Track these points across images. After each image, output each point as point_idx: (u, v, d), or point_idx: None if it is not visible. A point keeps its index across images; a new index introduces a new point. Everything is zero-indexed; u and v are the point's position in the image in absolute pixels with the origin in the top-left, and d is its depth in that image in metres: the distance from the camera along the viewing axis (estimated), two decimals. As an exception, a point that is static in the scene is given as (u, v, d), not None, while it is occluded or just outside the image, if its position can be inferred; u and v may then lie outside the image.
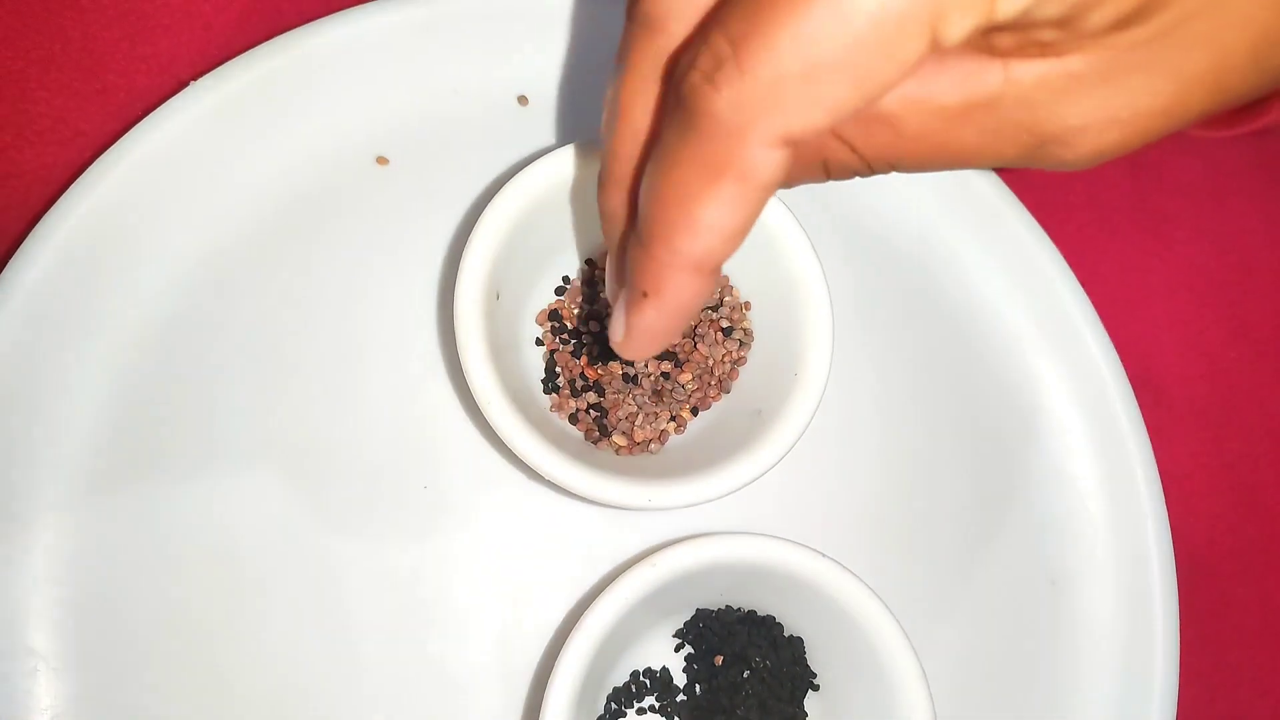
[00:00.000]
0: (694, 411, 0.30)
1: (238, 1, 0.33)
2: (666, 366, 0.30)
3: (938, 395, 0.33)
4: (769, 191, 0.18)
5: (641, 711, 0.30)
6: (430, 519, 0.30)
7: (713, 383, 0.30)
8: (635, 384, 0.30)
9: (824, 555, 0.28)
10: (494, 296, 0.28)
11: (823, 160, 0.20)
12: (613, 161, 0.22)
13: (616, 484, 0.27)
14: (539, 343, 0.31)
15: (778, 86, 0.16)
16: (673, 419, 0.30)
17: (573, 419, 0.30)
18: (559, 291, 0.31)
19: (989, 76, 0.18)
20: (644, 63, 0.20)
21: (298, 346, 0.31)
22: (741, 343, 0.30)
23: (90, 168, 0.30)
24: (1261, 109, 0.20)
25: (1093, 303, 0.34)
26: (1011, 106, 0.18)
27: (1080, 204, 0.36)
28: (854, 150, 0.20)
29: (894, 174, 0.21)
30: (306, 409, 0.31)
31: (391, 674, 0.30)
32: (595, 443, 0.30)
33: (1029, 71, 0.18)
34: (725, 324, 0.30)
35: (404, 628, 0.30)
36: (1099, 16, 0.17)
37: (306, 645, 0.29)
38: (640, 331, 0.22)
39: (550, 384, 0.30)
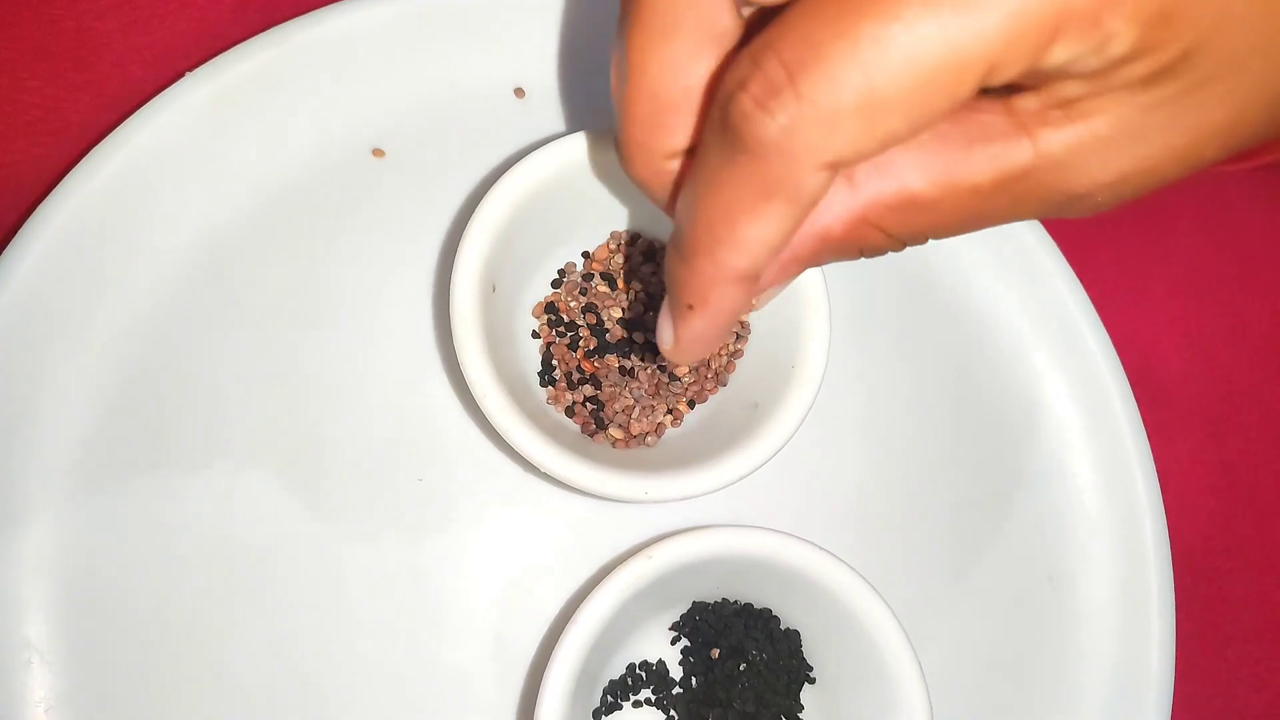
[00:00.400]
0: (691, 404, 0.30)
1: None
2: (664, 360, 0.30)
3: (936, 390, 0.33)
4: (812, 207, 0.19)
5: (638, 704, 0.30)
6: (427, 512, 0.30)
7: (709, 376, 0.30)
8: (632, 377, 0.30)
9: (821, 549, 0.28)
10: (490, 288, 0.28)
11: (859, 247, 0.21)
12: (631, 127, 0.21)
13: (614, 476, 0.27)
14: (535, 335, 0.31)
15: (835, 116, 0.17)
16: (669, 412, 0.30)
17: (569, 411, 0.30)
18: (555, 284, 0.31)
19: (1019, 151, 0.18)
20: (654, 16, 0.20)
21: (294, 340, 0.31)
22: (739, 335, 0.30)
23: (84, 159, 0.30)
24: (1266, 147, 0.21)
25: (1092, 300, 0.34)
26: (1043, 174, 0.18)
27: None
28: (890, 236, 0.20)
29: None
30: (302, 402, 0.30)
31: (388, 666, 0.29)
32: (592, 435, 0.30)
33: (1057, 140, 0.18)
34: None
35: (400, 620, 0.30)
36: (1132, 71, 0.17)
37: (301, 637, 0.29)
38: (690, 341, 0.22)
39: (547, 376, 0.30)
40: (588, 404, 0.30)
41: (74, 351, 0.29)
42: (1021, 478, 0.33)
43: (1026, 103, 0.18)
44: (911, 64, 0.16)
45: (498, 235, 0.28)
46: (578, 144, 0.28)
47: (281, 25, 0.31)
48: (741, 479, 0.27)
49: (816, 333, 0.28)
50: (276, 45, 0.31)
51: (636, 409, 0.30)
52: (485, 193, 0.28)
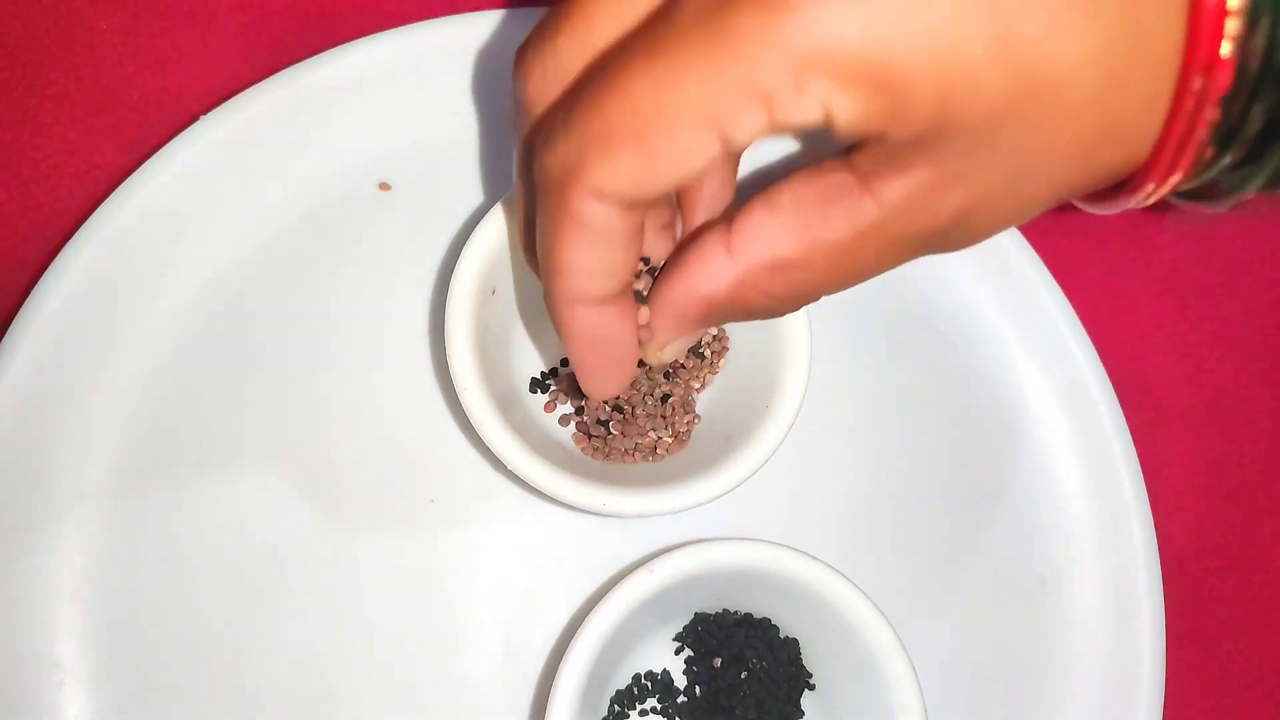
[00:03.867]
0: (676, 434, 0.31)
1: (243, 35, 0.34)
2: (666, 387, 0.31)
3: (924, 399, 0.34)
4: (613, 238, 0.21)
5: (644, 713, 0.31)
6: (439, 531, 0.32)
7: (679, 406, 0.31)
8: (632, 403, 0.31)
9: (816, 559, 0.29)
10: (490, 291, 0.29)
11: (746, 309, 0.23)
12: (523, 232, 0.25)
13: (574, 483, 0.28)
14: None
15: (587, 151, 0.19)
16: (659, 439, 0.31)
17: (562, 421, 0.31)
18: None
19: (865, 206, 0.20)
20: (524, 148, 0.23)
21: (307, 367, 0.32)
22: (704, 356, 0.31)
23: (107, 200, 0.31)
24: (1124, 192, 0.22)
25: (1077, 308, 0.35)
26: (892, 223, 0.20)
27: (1062, 210, 0.37)
28: (772, 296, 0.22)
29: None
30: (316, 427, 0.32)
31: (404, 678, 0.31)
32: (581, 448, 0.31)
33: (893, 191, 0.20)
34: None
35: (413, 636, 0.31)
36: (902, 135, 0.18)
37: (321, 656, 0.31)
38: (583, 374, 0.24)
39: (540, 385, 0.31)
40: (582, 413, 0.31)
41: (100, 381, 0.31)
42: (1010, 483, 0.34)
43: (861, 160, 0.20)
44: (633, 118, 0.19)
45: (503, 242, 0.29)
46: None
47: (290, 68, 0.32)
48: (698, 506, 0.28)
49: (796, 369, 0.29)
50: (285, 87, 0.32)
51: (627, 429, 0.31)
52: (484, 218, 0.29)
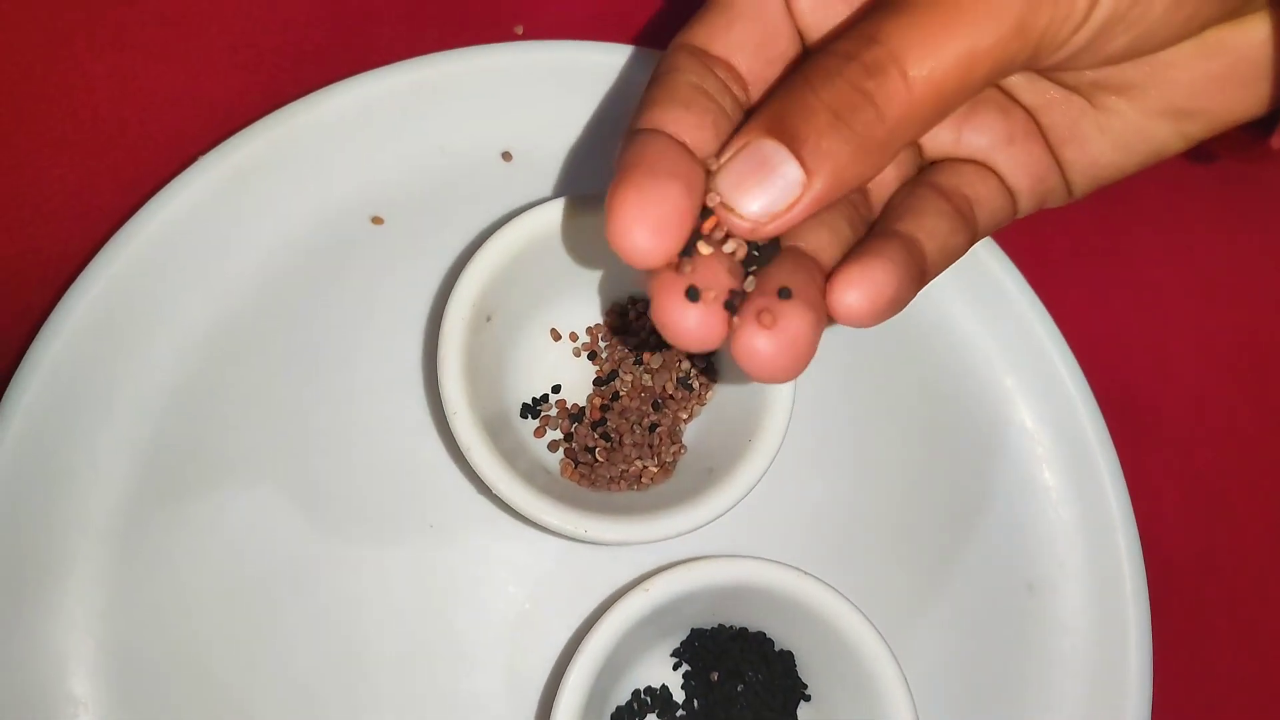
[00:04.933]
0: (661, 464, 0.32)
1: (236, 75, 0.35)
2: (654, 417, 0.32)
3: (908, 412, 0.35)
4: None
5: (644, 728, 0.32)
6: (436, 555, 0.32)
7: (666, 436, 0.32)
8: (622, 434, 0.32)
9: (807, 573, 0.30)
10: (485, 318, 0.30)
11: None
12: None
13: (557, 509, 0.28)
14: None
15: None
16: (645, 465, 0.31)
17: (551, 447, 0.32)
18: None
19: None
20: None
21: (308, 399, 0.33)
22: (692, 388, 0.32)
23: (109, 241, 0.32)
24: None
25: (1056, 318, 0.36)
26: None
27: (1045, 226, 0.38)
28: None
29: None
30: (318, 457, 0.32)
31: (407, 703, 0.31)
32: (568, 475, 0.31)
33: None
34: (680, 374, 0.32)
35: (417, 659, 0.32)
36: None
37: (327, 680, 0.31)
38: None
39: (532, 411, 0.32)
40: (571, 440, 0.32)
41: (106, 418, 0.32)
42: (996, 492, 0.35)
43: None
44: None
45: (499, 270, 0.30)
46: (585, 202, 0.30)
47: (283, 108, 0.33)
48: (678, 536, 0.29)
49: (779, 408, 0.29)
50: (279, 126, 0.33)
51: (613, 457, 0.31)
52: (478, 248, 0.30)
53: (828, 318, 0.22)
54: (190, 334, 0.33)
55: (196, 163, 0.33)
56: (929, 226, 0.24)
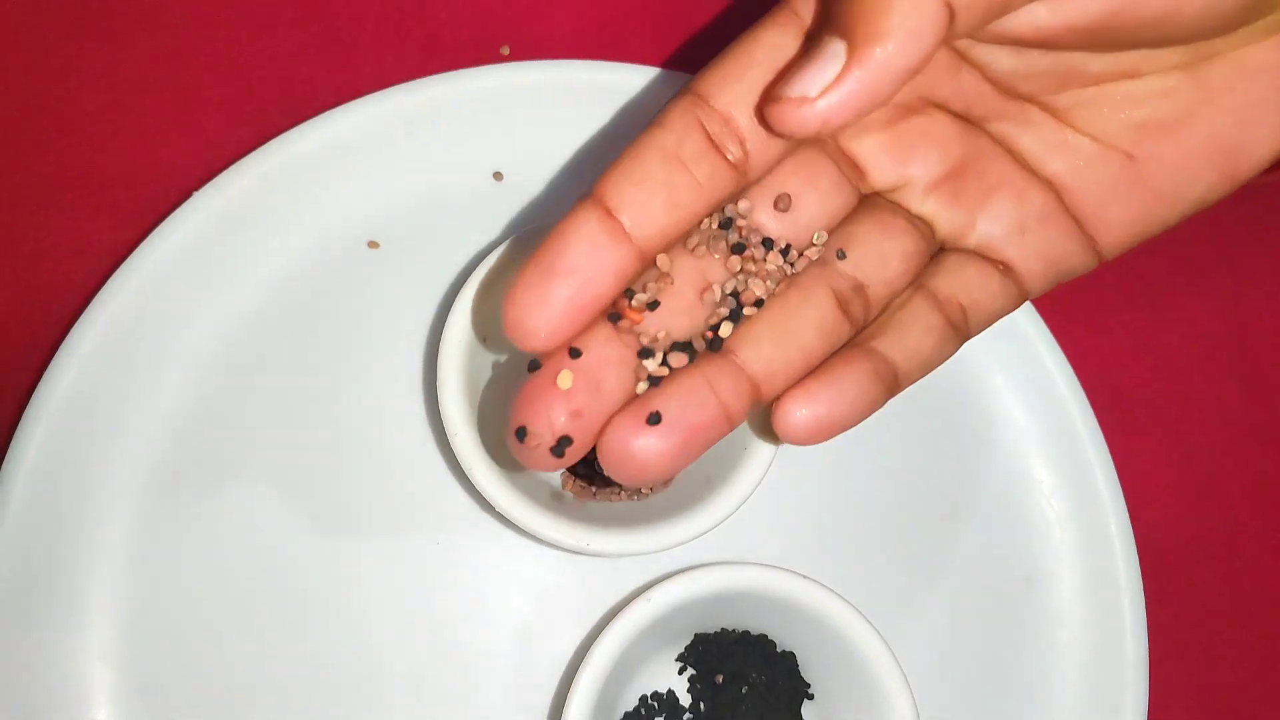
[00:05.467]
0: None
1: (226, 107, 0.36)
2: None
3: (899, 411, 0.35)
4: None
5: (652, 732, 0.32)
6: (443, 571, 0.33)
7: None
8: None
9: (805, 577, 0.30)
10: (481, 339, 0.31)
11: None
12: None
13: (560, 524, 0.29)
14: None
15: None
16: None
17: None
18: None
19: None
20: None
21: (312, 423, 0.34)
22: None
23: (112, 276, 0.33)
24: None
25: (1044, 314, 0.36)
26: None
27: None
28: None
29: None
30: (324, 479, 0.33)
31: (419, 714, 0.32)
32: (569, 488, 0.32)
33: None
34: None
35: (427, 673, 0.32)
36: None
37: (341, 695, 0.32)
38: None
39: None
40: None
41: (117, 446, 0.32)
42: (989, 490, 0.36)
43: None
44: None
45: (493, 292, 0.30)
46: None
47: (276, 139, 0.34)
48: (678, 545, 0.29)
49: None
50: (271, 158, 0.34)
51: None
52: (473, 269, 0.31)
53: (728, 428, 0.23)
54: (196, 363, 0.33)
55: (192, 198, 0.33)
56: (911, 345, 0.24)
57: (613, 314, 0.23)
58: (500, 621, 0.33)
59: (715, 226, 0.24)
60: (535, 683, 0.32)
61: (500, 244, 0.31)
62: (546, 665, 0.33)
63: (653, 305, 0.23)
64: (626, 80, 0.36)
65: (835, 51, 0.20)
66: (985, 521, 0.35)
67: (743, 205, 0.24)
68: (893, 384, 0.24)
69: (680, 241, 0.23)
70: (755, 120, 0.23)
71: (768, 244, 0.24)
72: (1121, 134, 0.25)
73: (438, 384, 0.29)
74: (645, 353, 0.23)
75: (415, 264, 0.35)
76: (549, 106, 0.36)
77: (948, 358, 0.26)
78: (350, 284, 0.34)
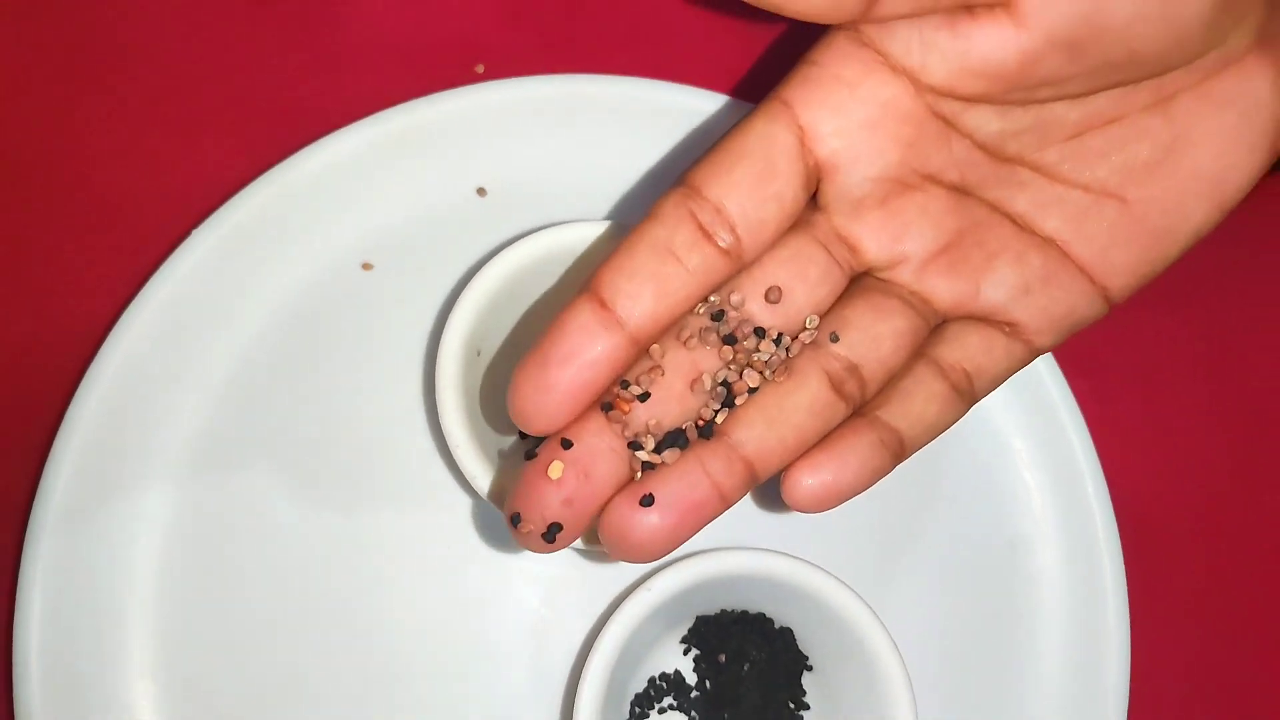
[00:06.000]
0: None
1: (227, 138, 0.37)
2: None
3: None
4: None
5: (662, 711, 0.34)
6: (454, 575, 0.35)
7: None
8: None
9: (795, 557, 0.32)
10: (475, 353, 0.32)
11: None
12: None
13: None
14: None
15: None
16: None
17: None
18: None
19: None
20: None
21: (323, 441, 0.35)
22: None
23: (122, 316, 0.34)
24: None
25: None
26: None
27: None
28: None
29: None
30: (338, 494, 0.35)
31: (445, 706, 0.34)
32: None
33: None
34: None
35: (445, 669, 0.34)
36: None
37: (373, 689, 0.34)
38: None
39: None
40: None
41: (141, 473, 0.34)
42: (969, 460, 0.37)
43: None
44: None
45: (483, 308, 0.32)
46: (560, 232, 0.32)
47: (267, 172, 0.36)
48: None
49: None
50: (266, 189, 0.35)
51: None
52: (464, 284, 0.32)
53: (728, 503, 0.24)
54: (207, 389, 0.35)
55: (194, 232, 0.35)
56: (916, 413, 0.25)
57: (605, 403, 0.24)
58: (514, 618, 0.35)
59: (708, 319, 0.25)
60: (549, 671, 0.34)
61: (488, 257, 0.33)
62: (559, 655, 0.35)
63: (643, 397, 0.24)
64: (597, 91, 0.37)
65: None
66: (967, 491, 0.37)
67: (734, 298, 0.25)
68: (899, 450, 0.25)
69: (674, 330, 0.25)
70: (745, 208, 0.24)
71: (759, 333, 0.25)
72: (1110, 179, 0.26)
73: (438, 402, 0.31)
74: (635, 445, 0.24)
75: (409, 281, 0.36)
76: (525, 121, 0.37)
77: (955, 421, 0.27)
78: (348, 306, 0.36)
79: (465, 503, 0.35)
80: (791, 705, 0.34)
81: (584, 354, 0.23)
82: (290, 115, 0.38)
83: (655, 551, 0.24)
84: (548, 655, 0.35)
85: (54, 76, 0.38)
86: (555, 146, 0.37)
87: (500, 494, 0.31)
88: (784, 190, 0.24)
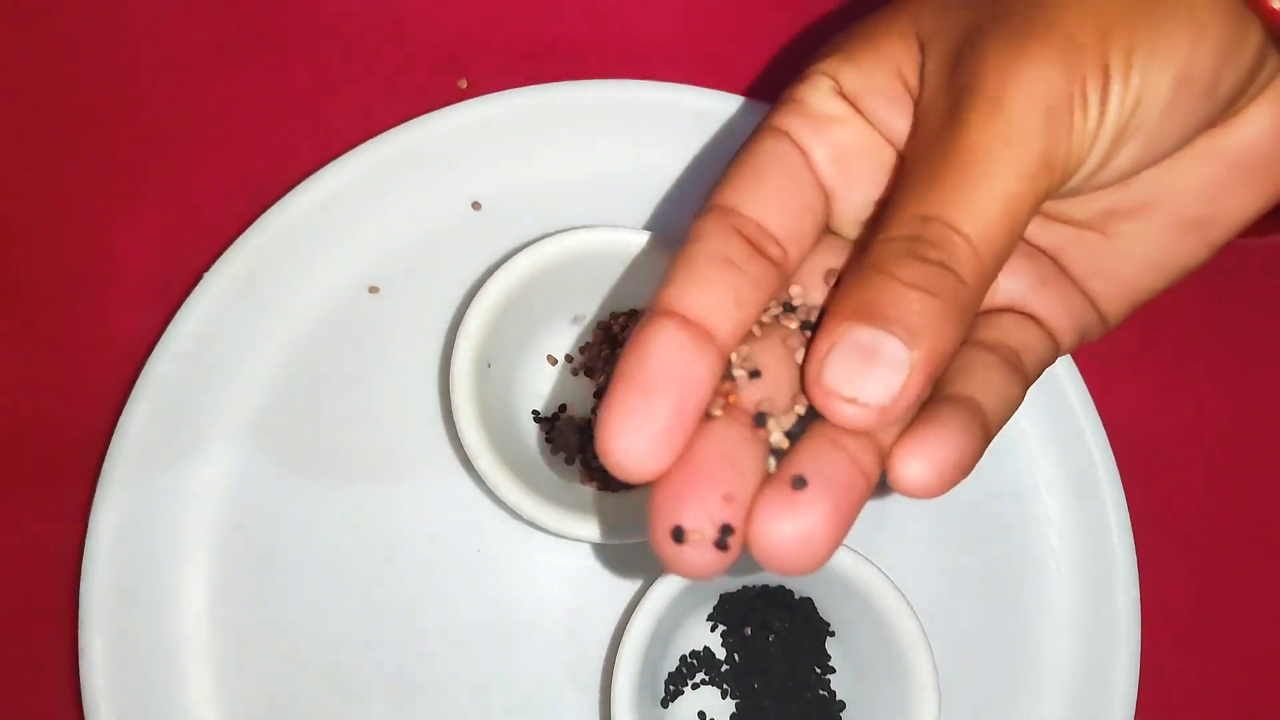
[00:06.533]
0: None
1: (221, 181, 0.39)
2: None
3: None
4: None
5: (695, 686, 0.36)
6: (487, 576, 0.37)
7: None
8: None
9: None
10: (485, 365, 0.34)
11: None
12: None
13: (585, 522, 0.32)
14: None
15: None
16: None
17: (568, 460, 0.36)
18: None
19: None
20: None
21: (347, 460, 0.37)
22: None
23: (144, 369, 0.36)
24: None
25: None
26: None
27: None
28: None
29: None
30: (367, 507, 0.37)
31: (484, 699, 0.36)
32: (584, 482, 0.36)
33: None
34: None
35: (485, 668, 0.36)
36: None
37: (423, 679, 0.36)
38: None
39: (547, 433, 0.36)
40: (586, 450, 0.36)
41: (170, 510, 0.36)
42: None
43: None
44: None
45: (488, 322, 0.34)
46: (558, 241, 0.34)
47: (272, 207, 0.37)
48: None
49: None
50: (267, 229, 0.37)
51: None
52: (470, 299, 0.34)
53: (873, 490, 0.21)
54: (234, 423, 0.37)
55: (205, 277, 0.37)
56: (982, 382, 0.24)
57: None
58: (546, 611, 0.37)
59: (780, 310, 0.24)
60: (584, 659, 0.36)
61: (490, 270, 0.34)
62: (593, 643, 0.36)
63: (754, 374, 0.22)
64: (579, 96, 0.38)
65: (898, 360, 0.20)
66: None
67: (795, 290, 0.24)
68: (985, 423, 0.23)
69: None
70: (784, 220, 0.23)
71: None
72: (1091, 220, 0.26)
73: (454, 415, 0.33)
74: (761, 419, 0.21)
75: (415, 300, 0.38)
76: (513, 132, 0.38)
77: (1020, 401, 0.25)
78: (360, 328, 0.38)
79: (487, 509, 0.37)
80: (818, 670, 0.36)
81: (685, 375, 0.20)
82: (283, 153, 0.39)
83: (818, 545, 0.20)
84: (583, 644, 0.36)
85: (47, 140, 0.39)
86: (542, 154, 0.39)
87: (519, 498, 0.33)
88: (813, 202, 0.25)
